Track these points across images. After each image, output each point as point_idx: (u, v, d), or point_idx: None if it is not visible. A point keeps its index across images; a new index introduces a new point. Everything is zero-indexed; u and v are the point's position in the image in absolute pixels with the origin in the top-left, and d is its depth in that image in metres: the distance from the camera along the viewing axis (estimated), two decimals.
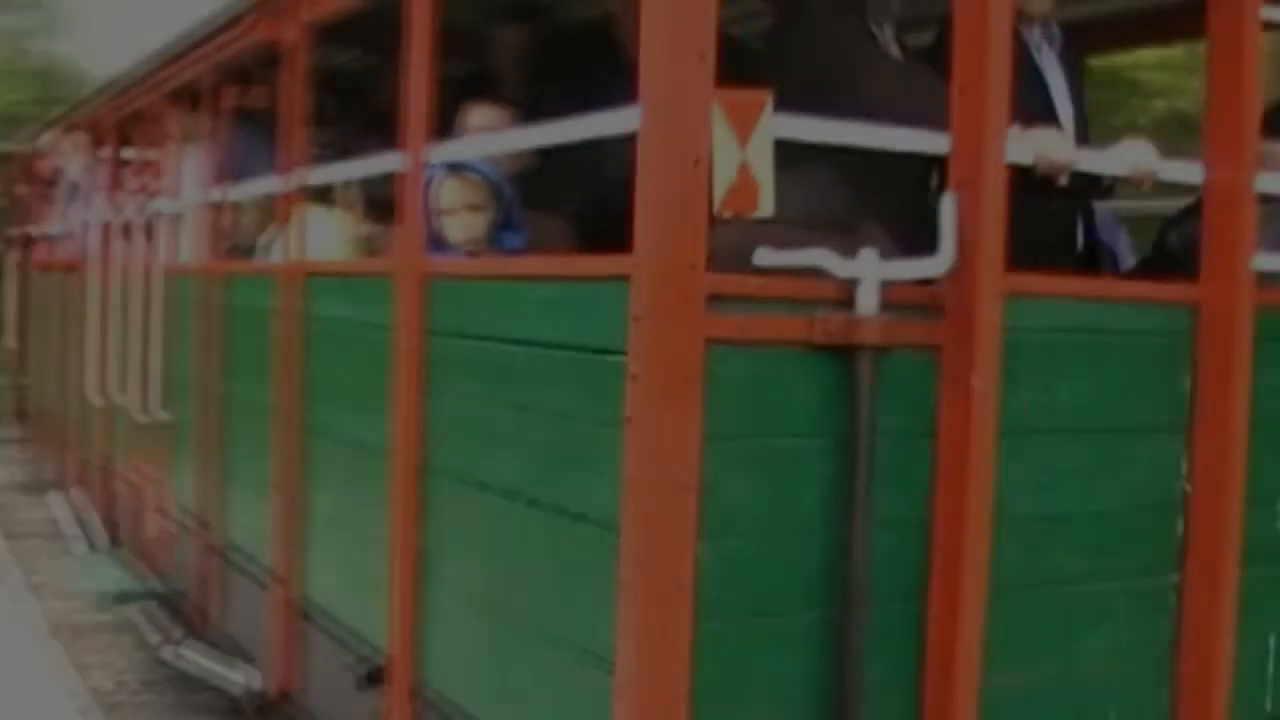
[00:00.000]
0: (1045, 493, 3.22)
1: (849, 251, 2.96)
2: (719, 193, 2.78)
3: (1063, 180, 3.26)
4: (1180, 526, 3.43)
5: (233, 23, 5.39)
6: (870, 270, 2.90)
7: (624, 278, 2.80)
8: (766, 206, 2.83)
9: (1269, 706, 3.67)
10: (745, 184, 2.80)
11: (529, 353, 3.26)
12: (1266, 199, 3.56)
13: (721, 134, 2.77)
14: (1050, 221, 3.61)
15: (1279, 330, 3.46)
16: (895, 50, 3.63)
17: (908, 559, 3.02)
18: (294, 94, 4.86)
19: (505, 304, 3.43)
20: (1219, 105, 3.42)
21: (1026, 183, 3.28)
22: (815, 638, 2.91)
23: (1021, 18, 3.72)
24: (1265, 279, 3.44)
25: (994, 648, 3.12)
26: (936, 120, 3.04)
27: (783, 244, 2.96)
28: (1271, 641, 3.66)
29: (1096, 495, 3.30)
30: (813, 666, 2.92)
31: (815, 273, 2.90)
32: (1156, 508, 3.41)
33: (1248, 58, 3.37)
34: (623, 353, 2.79)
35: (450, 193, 3.87)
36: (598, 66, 4.08)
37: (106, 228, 7.76)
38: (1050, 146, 3.22)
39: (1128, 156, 3.40)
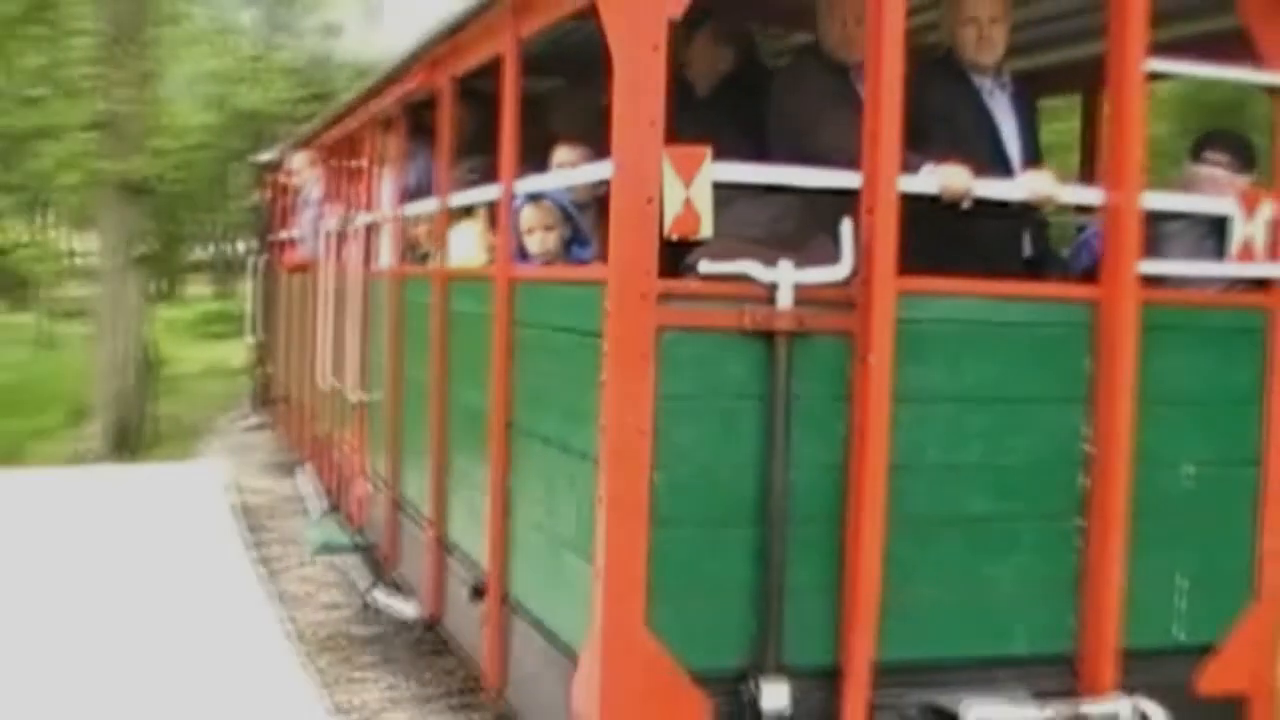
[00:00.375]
0: (953, 447, 4.20)
1: (801, 262, 4.03)
2: (668, 221, 3.90)
3: (965, 204, 4.24)
4: (1082, 480, 4.36)
5: (403, 70, 6.73)
6: (785, 277, 3.97)
7: (602, 282, 3.94)
8: (707, 230, 3.93)
9: (1179, 635, 4.55)
10: (689, 214, 3.91)
11: (560, 336, 4.43)
12: (1161, 216, 4.47)
13: (670, 178, 3.89)
14: (996, 237, 4.57)
15: (1160, 322, 4.36)
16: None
17: (829, 492, 4.06)
18: (444, 131, 6.14)
19: (551, 301, 4.61)
20: (1114, 141, 4.34)
21: (975, 205, 4.27)
22: (746, 548, 3.99)
23: (975, 68, 4.70)
24: (1148, 281, 4.34)
25: (908, 566, 4.14)
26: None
27: (734, 256, 4.04)
28: (1178, 580, 4.53)
29: (1003, 451, 4.27)
30: (744, 570, 3.99)
31: (746, 277, 3.99)
32: (1061, 464, 4.34)
33: (1134, 103, 4.28)
34: (600, 335, 3.93)
35: (529, 216, 5.07)
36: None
37: (327, 235, 9.25)
38: (949, 178, 4.20)
39: (1030, 184, 4.35)
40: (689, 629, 3.94)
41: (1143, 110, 4.30)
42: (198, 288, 50.23)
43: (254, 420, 15.19)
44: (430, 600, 6.24)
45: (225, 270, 48.63)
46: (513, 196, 5.10)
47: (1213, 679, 4.55)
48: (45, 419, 18.38)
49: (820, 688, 4.03)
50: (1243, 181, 4.66)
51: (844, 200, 4.17)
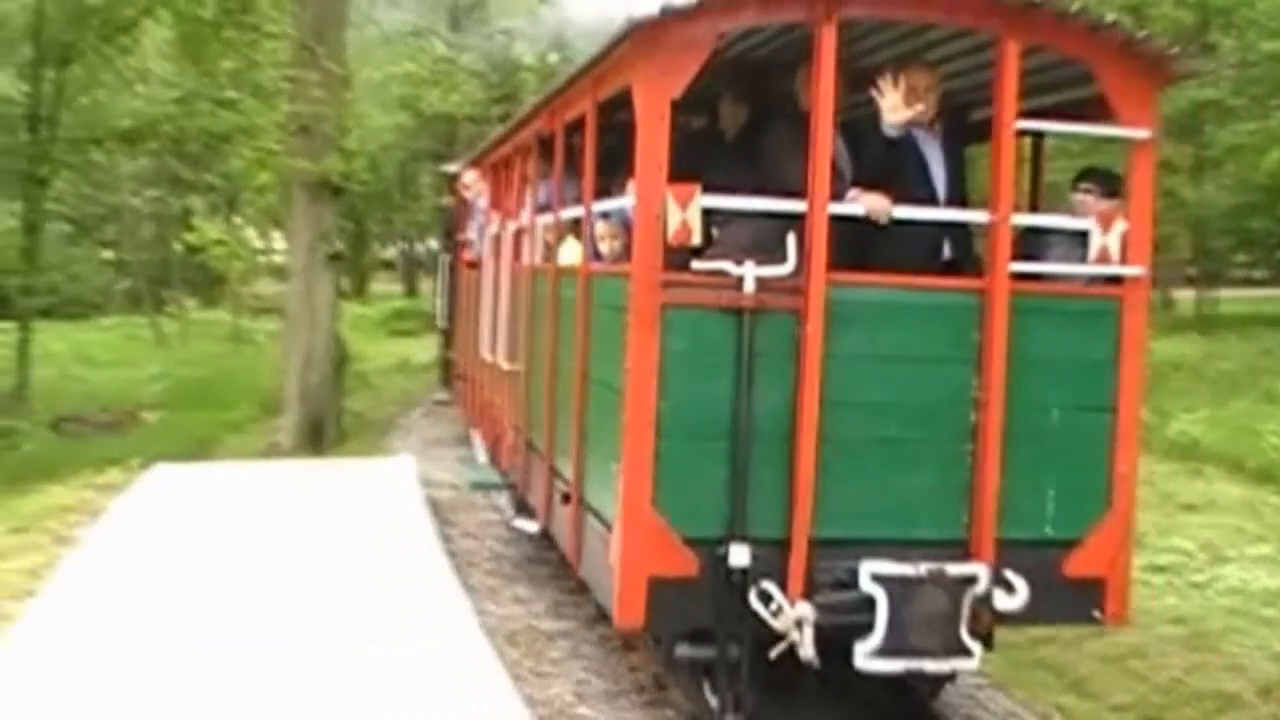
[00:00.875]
0: (874, 391, 6.20)
1: (766, 262, 6.08)
2: (670, 233, 5.99)
3: (884, 220, 6.24)
4: (972, 417, 6.31)
5: (531, 114, 8.95)
6: (749, 272, 6.03)
7: (627, 275, 6.05)
8: (697, 240, 6.01)
9: (1049, 531, 6.45)
10: (684, 228, 6.00)
11: (606, 312, 6.56)
12: (1040, 230, 6.41)
13: (671, 205, 5.98)
14: (920, 242, 6.54)
15: (1030, 307, 6.31)
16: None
17: (781, 419, 6.10)
18: (557, 162, 8.33)
19: (603, 288, 6.76)
20: (994, 179, 6.29)
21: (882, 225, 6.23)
22: (723, 455, 6.05)
23: (913, 123, 6.66)
24: (1018, 276, 6.29)
25: (838, 472, 6.15)
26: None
27: (723, 259, 6.11)
28: (1049, 492, 6.44)
29: (912, 394, 6.25)
30: (721, 470, 6.05)
31: (724, 273, 6.06)
32: (956, 405, 6.31)
33: (1007, 152, 6.23)
34: (626, 310, 6.04)
35: (600, 229, 7.21)
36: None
37: (490, 238, 11.53)
38: (872, 203, 6.22)
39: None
40: (682, 508, 6.02)
41: (1012, 157, 6.26)
42: (384, 285, 52.58)
43: (442, 395, 17.68)
44: (543, 514, 8.41)
45: (411, 268, 51.08)
46: (591, 215, 7.26)
47: (1076, 565, 6.46)
48: (236, 412, 20.03)
49: (773, 553, 6.08)
50: (1107, 205, 6.57)
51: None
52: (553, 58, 36.88)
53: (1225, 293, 31.62)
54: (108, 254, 39.77)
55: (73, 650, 7.23)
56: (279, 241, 34.44)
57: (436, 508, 11.74)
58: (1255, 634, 9.37)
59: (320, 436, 16.54)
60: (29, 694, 6.58)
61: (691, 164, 6.26)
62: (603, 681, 7.47)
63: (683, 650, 6.29)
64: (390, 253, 60.12)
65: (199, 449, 16.92)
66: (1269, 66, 22.58)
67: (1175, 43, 6.88)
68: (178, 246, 33.15)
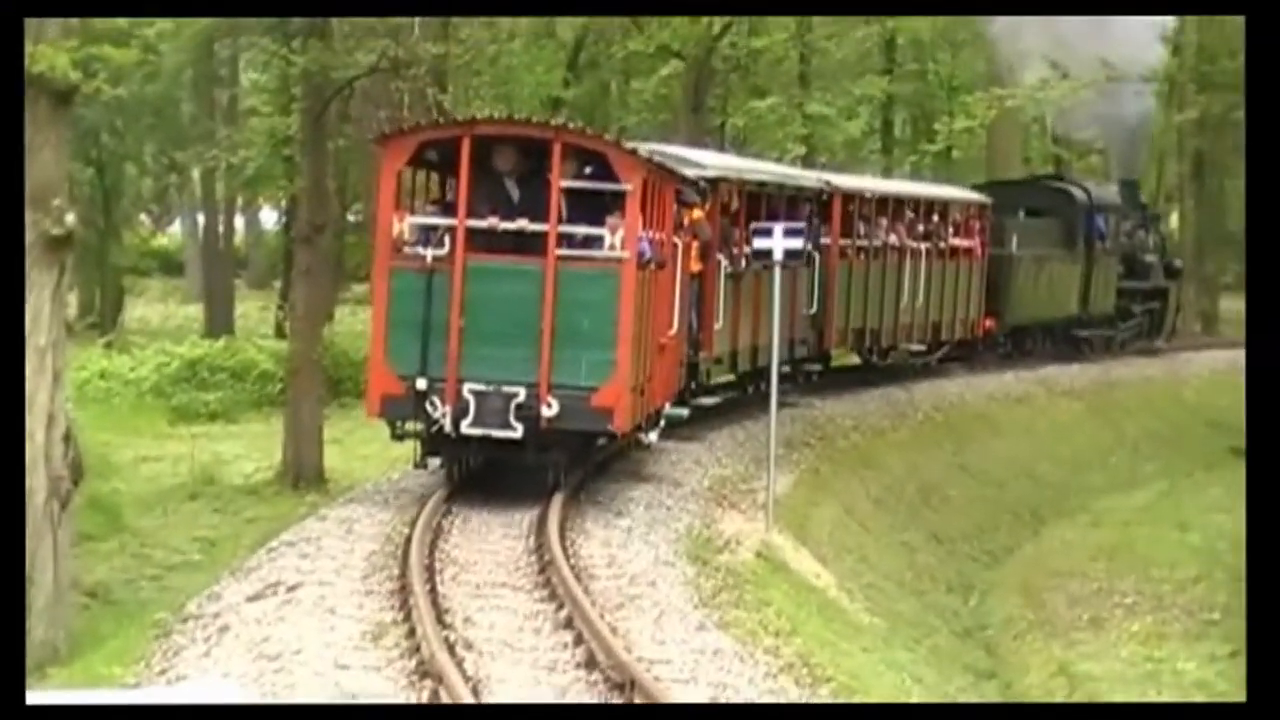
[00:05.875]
0: (492, 311, 16.35)
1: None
2: (394, 234, 16.29)
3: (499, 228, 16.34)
4: (541, 325, 16.23)
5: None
6: (429, 252, 16.24)
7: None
8: (407, 238, 16.28)
9: (583, 381, 16.21)
10: (399, 235, 16.28)
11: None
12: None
13: (395, 223, 16.29)
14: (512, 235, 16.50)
15: (568, 271, 16.28)
16: None
17: (445, 323, 16.17)
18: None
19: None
20: (548, 209, 16.17)
21: None
22: (418, 338, 16.19)
23: (510, 173, 16.59)
24: (561, 258, 16.18)
25: (473, 349, 16.24)
26: None
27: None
28: (584, 361, 16.16)
29: (511, 313, 16.38)
30: (418, 345, 16.18)
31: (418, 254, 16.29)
32: (534, 319, 16.26)
33: (554, 197, 16.10)
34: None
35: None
36: None
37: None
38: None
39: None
40: (398, 362, 16.24)
41: (558, 200, 16.11)
42: (156, 306, 44.01)
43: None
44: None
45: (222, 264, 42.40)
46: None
47: (598, 400, 16.15)
48: None
49: (438, 383, 16.05)
50: (614, 220, 16.22)
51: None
52: None
53: None
54: None
55: None
56: None
57: None
58: None
59: None
60: None
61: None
62: None
63: (407, 427, 16.37)
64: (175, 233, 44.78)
65: None
66: None
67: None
68: None
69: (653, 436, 18.72)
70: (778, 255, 17.48)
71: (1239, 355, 40.76)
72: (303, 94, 25.78)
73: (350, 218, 42.91)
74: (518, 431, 15.86)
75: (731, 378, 23.75)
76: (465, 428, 15.82)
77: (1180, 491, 30.07)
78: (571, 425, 16.09)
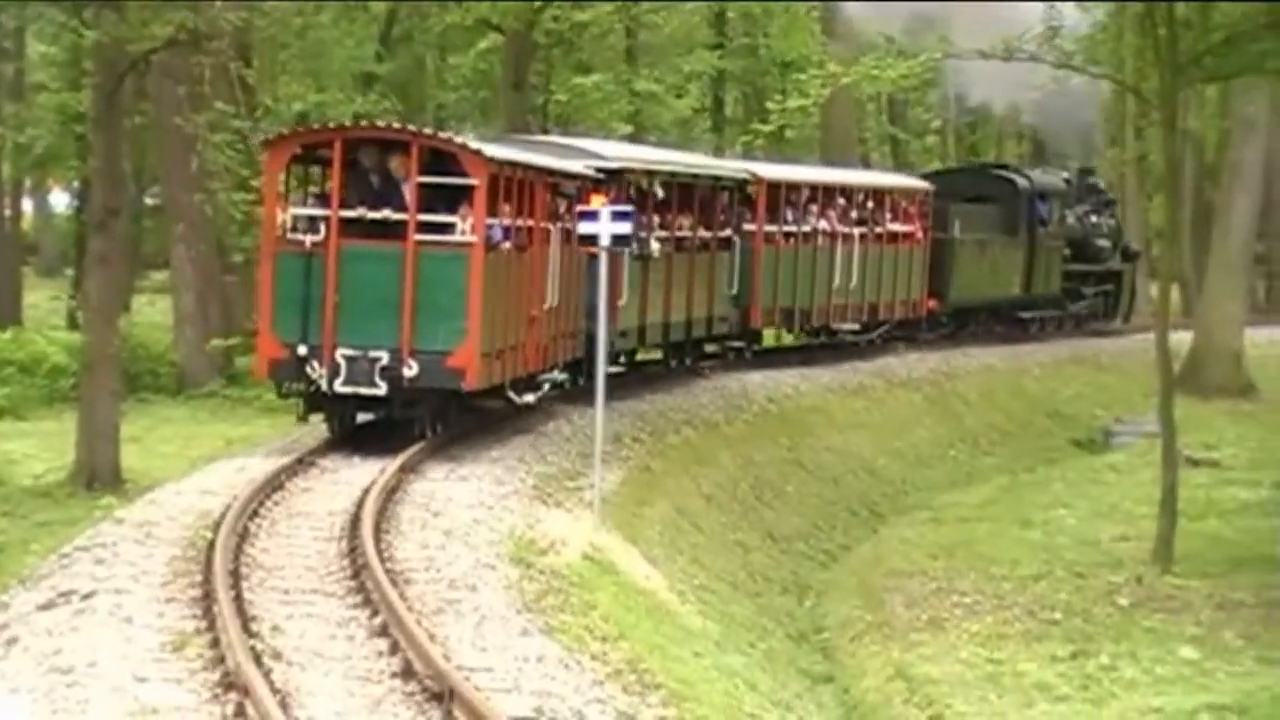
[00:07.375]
0: (361, 287, 18.53)
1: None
2: (279, 223, 17.93)
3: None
4: (403, 298, 18.13)
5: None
6: (306, 238, 18.05)
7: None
8: (289, 226, 17.50)
9: (439, 346, 18.37)
10: (283, 224, 17.83)
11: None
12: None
13: (279, 213, 17.30)
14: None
15: (428, 253, 18.00)
16: None
17: (321, 296, 18.42)
18: None
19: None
20: (410, 202, 16.37)
21: None
22: (300, 310, 18.60)
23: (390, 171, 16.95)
24: (419, 243, 16.38)
25: (346, 319, 18.40)
26: None
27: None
28: (441, 330, 18.30)
29: (378, 288, 18.43)
30: (299, 317, 18.59)
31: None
32: (397, 292, 18.37)
33: (413, 192, 16.37)
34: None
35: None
36: None
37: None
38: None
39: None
40: (282, 330, 18.61)
41: (415, 196, 17.41)
42: None
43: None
44: None
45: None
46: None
47: (453, 360, 18.23)
48: None
49: (316, 349, 18.32)
50: (465, 209, 16.85)
51: None
52: None
53: None
54: None
55: None
56: None
57: None
58: None
59: None
60: None
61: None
62: None
63: (293, 387, 18.23)
64: None
65: None
66: None
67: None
68: None
69: (528, 398, 21.63)
70: (604, 240, 18.05)
71: (1096, 342, 42.39)
72: (95, 68, 25.77)
73: (148, 201, 42.52)
74: (382, 389, 18.63)
75: (637, 349, 26.63)
76: (339, 386, 18.60)
77: (1021, 486, 30.66)
78: (429, 384, 18.76)
